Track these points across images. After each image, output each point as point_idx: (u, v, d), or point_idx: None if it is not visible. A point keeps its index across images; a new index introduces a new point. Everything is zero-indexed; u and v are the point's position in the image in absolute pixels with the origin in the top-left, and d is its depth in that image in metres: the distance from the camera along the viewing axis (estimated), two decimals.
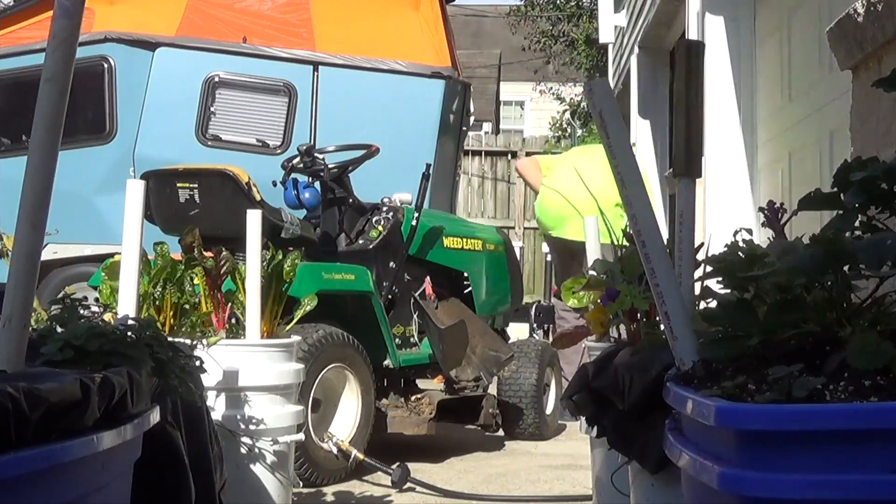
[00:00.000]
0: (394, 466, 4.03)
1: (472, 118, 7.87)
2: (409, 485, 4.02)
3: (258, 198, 4.46)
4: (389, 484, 4.05)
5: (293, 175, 4.87)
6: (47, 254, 6.14)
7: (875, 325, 1.28)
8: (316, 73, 7.00)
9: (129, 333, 1.79)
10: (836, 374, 1.19)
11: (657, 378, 1.80)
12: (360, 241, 4.93)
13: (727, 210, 5.68)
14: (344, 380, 4.25)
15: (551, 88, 20.17)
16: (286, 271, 3.35)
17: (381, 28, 7.08)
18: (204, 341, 2.92)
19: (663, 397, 1.42)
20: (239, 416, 3.06)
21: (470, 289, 5.30)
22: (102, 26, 6.95)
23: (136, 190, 2.77)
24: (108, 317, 2.75)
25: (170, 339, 2.04)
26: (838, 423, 1.09)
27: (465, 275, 5.30)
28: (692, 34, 6.28)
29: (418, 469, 4.30)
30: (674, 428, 1.41)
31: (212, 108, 6.97)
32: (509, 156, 15.94)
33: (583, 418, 2.56)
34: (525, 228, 15.43)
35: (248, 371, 3.08)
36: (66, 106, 1.51)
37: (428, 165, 5.04)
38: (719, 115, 5.81)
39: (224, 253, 3.22)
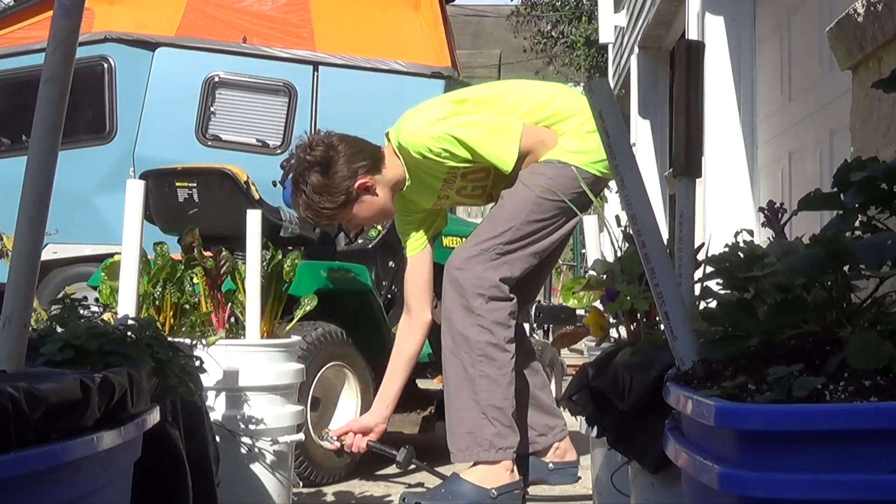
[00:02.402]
0: (399, 449, 4.00)
1: None
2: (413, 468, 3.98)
3: (257, 197, 4.46)
4: (389, 483, 4.05)
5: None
6: (47, 254, 6.14)
7: (875, 325, 1.28)
8: (316, 73, 7.00)
9: (129, 333, 1.79)
10: (836, 374, 1.19)
11: (657, 378, 1.80)
12: (360, 241, 4.92)
13: (727, 210, 5.68)
14: (343, 378, 4.24)
15: None
16: (286, 271, 3.35)
17: (381, 28, 7.08)
18: (204, 341, 2.92)
19: (663, 397, 1.42)
20: (239, 416, 3.05)
21: None
22: (102, 26, 6.95)
23: (135, 190, 2.77)
24: (108, 317, 2.75)
25: (170, 339, 2.04)
26: (838, 423, 1.09)
27: None
28: (692, 34, 6.28)
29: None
30: (674, 428, 1.41)
31: (212, 108, 6.97)
32: None
33: (582, 418, 2.56)
34: None
35: (248, 371, 3.07)
36: (66, 106, 1.51)
37: None
38: (719, 115, 5.81)
39: (224, 253, 3.22)
